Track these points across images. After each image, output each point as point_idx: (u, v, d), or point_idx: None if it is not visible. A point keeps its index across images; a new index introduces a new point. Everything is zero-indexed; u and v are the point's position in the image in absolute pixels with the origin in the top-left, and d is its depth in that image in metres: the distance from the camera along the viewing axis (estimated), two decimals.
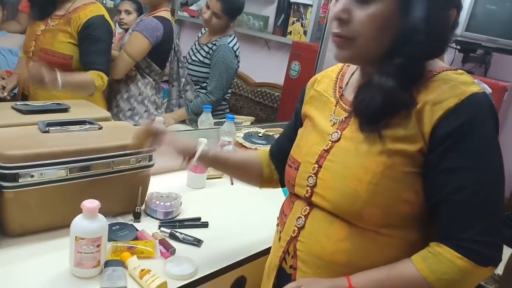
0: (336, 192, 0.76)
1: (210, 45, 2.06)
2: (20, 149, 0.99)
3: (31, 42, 1.57)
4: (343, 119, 0.81)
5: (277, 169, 1.05)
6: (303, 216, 0.82)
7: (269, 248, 1.23)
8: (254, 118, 2.29)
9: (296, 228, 0.83)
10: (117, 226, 1.14)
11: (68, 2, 1.59)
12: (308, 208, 0.82)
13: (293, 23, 2.87)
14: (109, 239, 1.03)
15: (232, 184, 1.63)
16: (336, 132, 0.81)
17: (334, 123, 0.82)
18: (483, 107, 0.70)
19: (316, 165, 0.81)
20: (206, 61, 2.06)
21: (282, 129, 1.89)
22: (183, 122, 2.02)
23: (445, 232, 0.71)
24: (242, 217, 1.38)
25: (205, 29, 2.19)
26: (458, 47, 2.12)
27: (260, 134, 1.79)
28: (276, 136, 1.81)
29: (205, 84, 2.07)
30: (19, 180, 0.98)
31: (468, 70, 2.11)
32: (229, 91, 2.17)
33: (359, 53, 0.75)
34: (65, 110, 1.27)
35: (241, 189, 1.46)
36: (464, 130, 0.68)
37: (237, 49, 2.10)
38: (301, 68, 2.49)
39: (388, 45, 0.72)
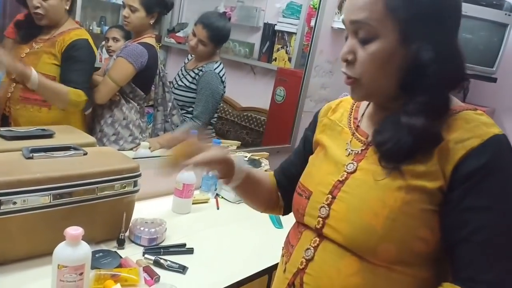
0: (351, 225, 0.74)
1: (196, 71, 2.09)
2: (3, 175, 0.98)
3: None
4: (359, 151, 0.80)
5: (282, 196, 1.02)
6: (312, 248, 0.79)
7: (256, 275, 1.23)
8: (240, 142, 2.31)
9: (304, 260, 0.80)
10: (101, 254, 1.12)
11: (54, 28, 1.61)
12: (318, 239, 0.79)
13: (278, 50, 2.93)
14: (92, 267, 1.01)
15: (218, 209, 1.64)
16: (352, 163, 0.79)
17: (349, 154, 0.81)
18: (505, 148, 0.70)
19: (330, 196, 0.78)
20: (193, 86, 2.08)
21: (268, 153, 1.92)
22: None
23: (462, 273, 0.69)
24: (228, 242, 1.37)
25: (191, 55, 2.23)
26: None
27: (246, 159, 1.80)
28: (262, 160, 1.83)
29: (191, 109, 2.09)
30: (1, 207, 0.97)
31: None
32: (215, 116, 2.18)
33: (369, 92, 0.75)
34: (49, 136, 1.26)
35: (227, 214, 1.46)
36: (486, 171, 0.67)
37: (223, 75, 2.13)
38: (286, 93, 2.53)
39: (397, 82, 0.72)
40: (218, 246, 1.34)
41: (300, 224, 0.85)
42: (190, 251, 1.25)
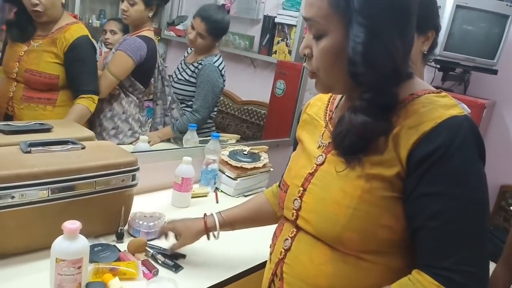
0: (317, 216, 0.77)
1: (196, 64, 2.08)
2: (1, 169, 0.98)
3: (14, 63, 1.57)
4: (327, 144, 0.82)
5: None
6: (289, 238, 0.83)
7: (254, 268, 1.23)
8: (239, 136, 2.31)
9: (283, 250, 0.83)
10: (99, 247, 1.12)
11: (51, 23, 1.60)
12: (295, 230, 0.82)
13: (278, 42, 2.92)
14: (91, 261, 1.01)
15: (217, 202, 1.64)
16: (321, 155, 0.81)
17: (320, 146, 0.83)
18: (462, 130, 0.67)
19: (301, 188, 0.81)
20: (192, 80, 2.07)
21: (267, 147, 1.92)
22: (167, 140, 2.02)
23: (424, 259, 0.69)
24: (226, 236, 1.37)
25: (191, 49, 2.22)
26: (438, 66, 2.18)
27: (245, 152, 1.80)
28: (261, 154, 1.82)
29: (191, 103, 2.08)
30: None
31: (448, 88, 2.18)
32: (215, 109, 2.18)
33: (327, 84, 0.77)
34: (48, 130, 1.26)
35: (226, 208, 1.46)
36: (440, 155, 0.66)
37: (223, 68, 2.12)
38: (286, 87, 2.52)
39: (349, 76, 0.73)
40: (216, 240, 1.34)
41: (283, 217, 0.89)
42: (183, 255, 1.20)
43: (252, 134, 3.01)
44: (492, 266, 1.61)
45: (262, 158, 1.79)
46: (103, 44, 2.17)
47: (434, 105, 0.71)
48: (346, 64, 0.71)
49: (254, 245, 1.30)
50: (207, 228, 1.10)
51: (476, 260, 0.67)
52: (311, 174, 0.81)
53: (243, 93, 3.17)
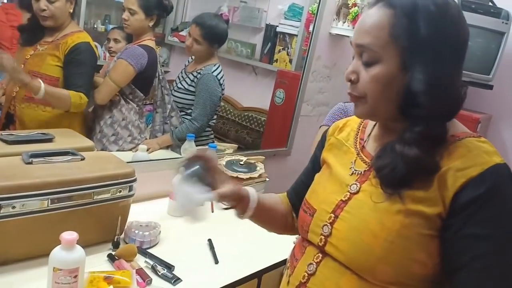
0: (351, 245, 0.76)
1: (195, 74, 2.13)
2: (4, 180, 1.03)
3: (20, 65, 1.63)
4: (363, 172, 0.81)
5: (297, 216, 1.00)
6: (314, 263, 0.82)
7: (245, 278, 1.27)
8: (237, 145, 2.34)
9: (307, 274, 0.82)
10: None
11: (58, 30, 1.66)
12: (321, 255, 0.81)
13: (279, 51, 2.96)
14: None
15: (212, 212, 1.68)
16: (355, 184, 0.81)
17: (353, 174, 0.83)
18: (506, 178, 0.71)
19: (333, 215, 0.80)
20: (191, 88, 2.12)
21: (263, 157, 1.96)
22: (166, 148, 2.06)
23: None
24: (222, 245, 1.41)
25: (192, 58, 2.26)
26: None
27: (241, 162, 1.84)
28: (258, 164, 1.86)
29: (190, 111, 2.13)
30: (1, 211, 1.01)
31: None
32: (214, 117, 2.22)
33: (371, 110, 0.78)
34: (49, 140, 1.31)
35: (221, 217, 1.49)
36: (486, 199, 0.68)
37: (222, 77, 2.16)
38: (285, 96, 2.56)
39: (397, 106, 0.75)
40: (210, 249, 1.38)
41: (304, 239, 0.88)
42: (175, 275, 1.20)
43: (252, 141, 3.05)
44: None
45: (258, 168, 1.83)
46: (107, 51, 2.22)
47: (478, 150, 0.72)
48: (397, 94, 0.73)
49: (247, 254, 1.34)
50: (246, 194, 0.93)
51: None
52: (344, 202, 0.80)
53: (243, 99, 3.21)
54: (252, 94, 3.15)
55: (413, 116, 0.73)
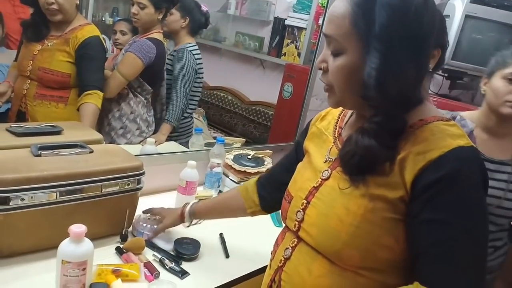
0: (319, 230, 0.79)
1: (173, 53, 2.11)
2: (12, 173, 1.03)
3: (28, 61, 1.62)
4: (334, 159, 0.83)
5: (259, 196, 1.11)
6: (290, 248, 0.85)
7: (254, 272, 1.27)
8: (244, 140, 2.33)
9: (283, 258, 0.86)
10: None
11: (65, 24, 1.65)
12: (296, 240, 0.84)
13: (287, 45, 2.94)
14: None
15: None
16: (327, 170, 0.83)
17: (326, 161, 0.85)
18: (468, 161, 0.69)
19: (305, 201, 0.83)
20: (169, 67, 2.09)
21: (271, 151, 1.95)
22: (174, 140, 2.06)
23: (424, 282, 0.69)
24: (229, 239, 1.41)
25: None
26: (446, 74, 2.18)
27: (249, 157, 1.83)
28: (266, 158, 1.85)
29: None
30: (10, 203, 1.01)
31: (455, 97, 2.18)
32: (195, 102, 2.19)
33: (339, 99, 0.79)
34: (58, 132, 1.31)
35: None
36: (445, 183, 0.68)
37: (197, 53, 2.13)
38: (293, 90, 2.54)
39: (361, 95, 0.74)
40: (217, 243, 1.38)
41: (285, 226, 0.92)
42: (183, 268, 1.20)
43: (259, 135, 3.04)
44: None
45: (266, 162, 1.82)
46: (113, 43, 2.22)
47: (442, 133, 0.72)
48: (359, 85, 0.72)
49: (254, 249, 1.33)
50: (182, 215, 1.25)
51: (475, 285, 0.68)
52: (316, 188, 0.83)
53: (251, 93, 3.20)
54: (260, 88, 3.14)
55: (373, 106, 0.73)
